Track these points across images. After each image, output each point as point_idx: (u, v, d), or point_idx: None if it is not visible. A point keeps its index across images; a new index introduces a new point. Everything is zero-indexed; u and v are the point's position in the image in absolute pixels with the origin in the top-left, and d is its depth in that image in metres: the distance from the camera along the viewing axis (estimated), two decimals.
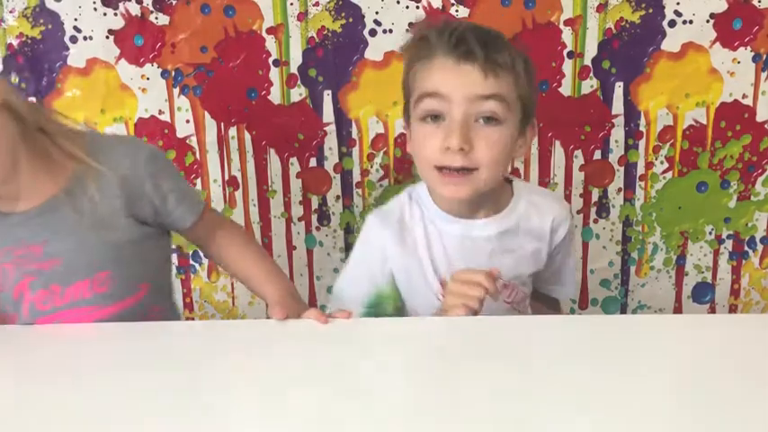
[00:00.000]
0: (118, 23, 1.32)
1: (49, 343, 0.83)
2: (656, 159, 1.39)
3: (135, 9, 1.31)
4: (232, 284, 1.48)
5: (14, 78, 1.34)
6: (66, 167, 0.88)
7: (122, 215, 0.89)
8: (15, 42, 1.33)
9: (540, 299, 1.10)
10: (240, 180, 1.41)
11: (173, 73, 1.35)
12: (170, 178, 0.94)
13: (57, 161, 0.88)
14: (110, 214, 0.88)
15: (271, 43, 1.34)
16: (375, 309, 0.98)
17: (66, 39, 1.33)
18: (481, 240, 0.98)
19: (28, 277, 0.88)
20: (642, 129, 1.38)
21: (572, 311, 1.47)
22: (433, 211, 0.98)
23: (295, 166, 1.41)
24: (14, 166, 0.85)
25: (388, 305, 0.99)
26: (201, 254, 1.26)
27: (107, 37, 1.32)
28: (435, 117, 0.90)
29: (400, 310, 1.00)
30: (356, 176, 1.41)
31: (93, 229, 0.88)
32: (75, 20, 1.32)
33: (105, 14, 1.31)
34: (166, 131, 1.38)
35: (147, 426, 0.62)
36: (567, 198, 1.41)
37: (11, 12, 1.32)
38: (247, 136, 1.39)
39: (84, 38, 1.33)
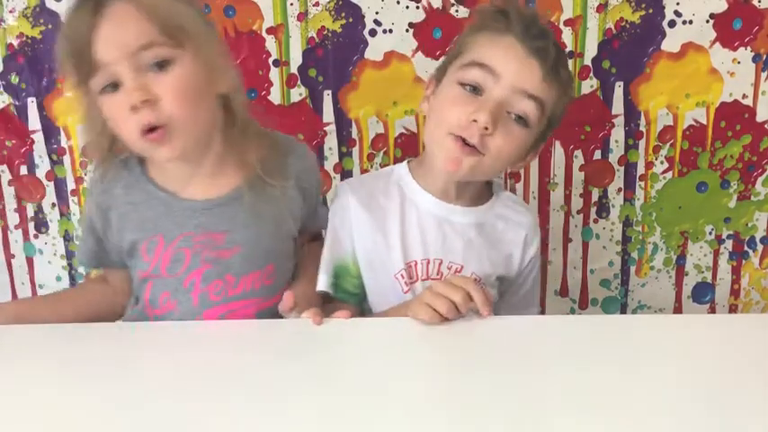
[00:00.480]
0: None
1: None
2: (656, 159, 1.40)
3: None
4: None
5: (14, 78, 1.34)
6: (251, 161, 0.92)
7: (297, 210, 0.95)
8: (15, 42, 1.33)
9: None
10: None
11: None
12: (319, 183, 1.02)
13: (245, 154, 0.92)
14: (287, 209, 0.93)
15: (271, 43, 1.34)
16: (336, 281, 0.98)
17: None
18: (460, 227, 0.98)
19: (205, 265, 0.90)
20: (642, 129, 1.38)
21: (572, 311, 1.47)
22: (413, 189, 0.99)
23: None
24: (204, 150, 0.90)
25: (348, 282, 0.98)
26: None
27: None
28: (474, 88, 0.91)
29: (359, 292, 0.99)
30: (356, 176, 1.41)
31: (271, 222, 0.92)
32: None
33: None
34: None
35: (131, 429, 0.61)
36: (567, 198, 1.41)
37: (11, 11, 1.32)
38: None
39: None
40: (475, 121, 0.89)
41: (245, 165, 0.92)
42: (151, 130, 0.82)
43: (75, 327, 0.87)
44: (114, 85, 0.81)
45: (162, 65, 0.81)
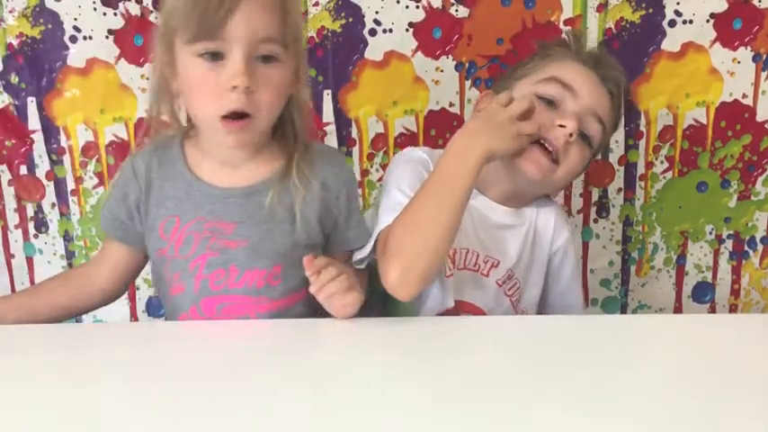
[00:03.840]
0: (118, 23, 1.32)
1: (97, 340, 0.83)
2: (657, 159, 1.39)
3: (135, 9, 1.31)
4: None
5: (14, 78, 1.34)
6: (278, 159, 0.93)
7: (314, 218, 0.93)
8: (15, 42, 1.33)
9: None
10: None
11: None
12: (357, 200, 0.99)
13: (274, 151, 0.93)
14: (304, 213, 0.91)
15: None
16: None
17: (66, 38, 1.33)
18: (502, 225, 1.04)
19: (210, 252, 0.90)
20: (642, 128, 1.38)
21: None
22: None
23: None
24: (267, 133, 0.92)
25: None
26: None
27: (107, 37, 1.32)
28: (550, 102, 0.98)
29: None
30: (356, 176, 1.41)
31: (283, 223, 0.91)
32: (75, 19, 1.32)
33: (105, 14, 1.31)
34: None
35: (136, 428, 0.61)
36: (567, 198, 1.41)
37: (11, 11, 1.32)
38: None
39: (84, 37, 1.33)
40: (562, 126, 0.94)
41: (272, 162, 0.93)
42: (235, 116, 0.84)
43: (73, 327, 0.88)
44: (215, 55, 0.83)
45: (268, 59, 0.84)
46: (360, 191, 1.41)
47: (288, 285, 0.93)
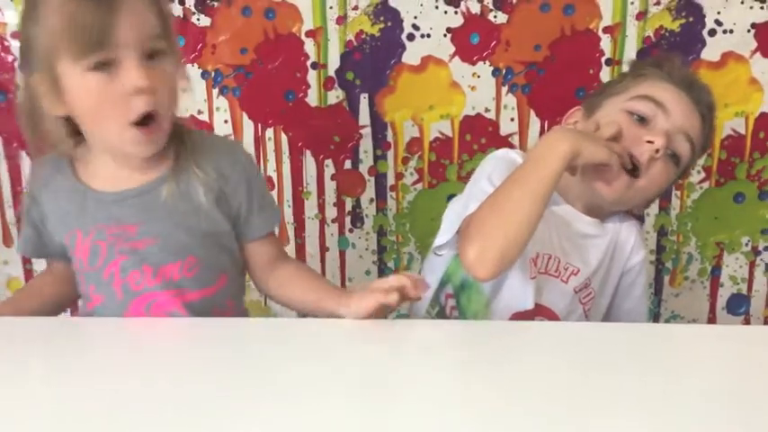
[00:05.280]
0: None
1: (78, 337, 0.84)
2: (693, 169, 1.38)
3: (177, 10, 1.33)
4: None
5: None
6: (169, 154, 0.92)
7: (214, 206, 0.92)
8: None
9: None
10: (276, 181, 1.43)
11: (212, 74, 1.37)
12: (260, 186, 0.97)
13: (165, 149, 0.91)
14: (203, 204, 0.91)
15: (309, 46, 1.35)
16: None
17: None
18: (585, 234, 1.04)
19: (120, 257, 0.91)
20: None
21: None
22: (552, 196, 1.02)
23: (330, 168, 1.42)
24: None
25: None
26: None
27: None
28: (641, 119, 0.98)
29: None
30: (390, 179, 1.42)
31: (186, 216, 0.91)
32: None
33: None
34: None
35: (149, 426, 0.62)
36: None
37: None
38: (284, 137, 1.41)
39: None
40: (650, 142, 0.96)
41: (163, 158, 0.91)
42: (145, 121, 0.83)
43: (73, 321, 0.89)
44: (106, 65, 0.81)
45: (156, 56, 0.83)
46: (394, 194, 1.42)
47: (207, 274, 0.93)
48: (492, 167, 1.01)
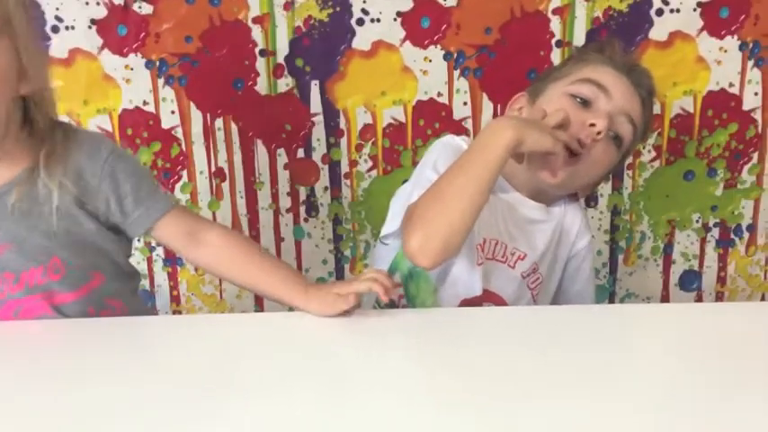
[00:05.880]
0: (101, 13, 1.30)
1: (19, 340, 0.82)
2: (644, 148, 1.40)
3: None
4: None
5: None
6: (26, 152, 0.87)
7: (74, 207, 0.88)
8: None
9: None
10: (227, 171, 1.40)
11: (157, 63, 1.33)
12: (130, 180, 0.90)
13: (22, 144, 0.86)
14: (62, 204, 0.86)
15: (257, 33, 1.32)
16: None
17: (48, 28, 1.30)
18: (530, 219, 1.05)
19: None
20: None
21: None
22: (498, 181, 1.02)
23: (282, 158, 1.40)
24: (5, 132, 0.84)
25: None
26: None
27: (90, 27, 1.30)
28: (584, 102, 1.00)
29: None
30: (344, 167, 1.40)
31: (42, 218, 0.86)
32: (57, 9, 1.29)
33: (87, 3, 1.29)
34: (151, 123, 1.36)
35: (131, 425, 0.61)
36: None
37: None
38: (234, 127, 1.38)
39: (66, 27, 1.30)
40: (592, 125, 0.97)
41: (19, 155, 0.86)
42: None
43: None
44: None
45: None
46: (348, 182, 1.41)
47: (77, 274, 0.90)
48: (437, 155, 1.01)
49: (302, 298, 0.86)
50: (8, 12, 0.80)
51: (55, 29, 1.30)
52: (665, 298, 1.49)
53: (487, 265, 1.01)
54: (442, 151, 1.02)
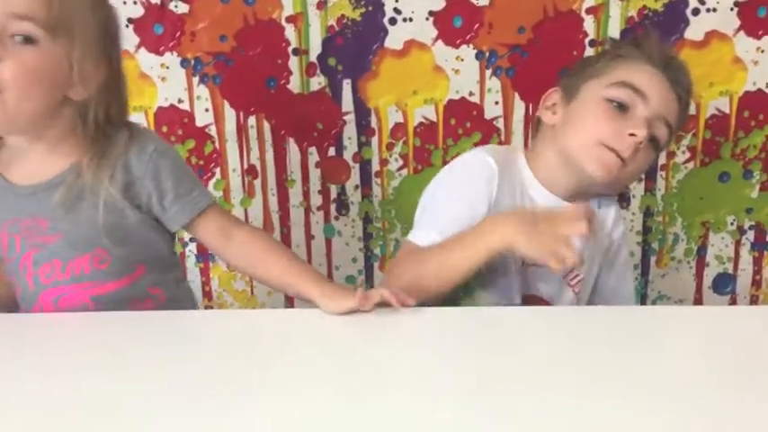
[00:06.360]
0: (137, 12, 1.32)
1: (51, 332, 0.83)
2: (678, 149, 1.38)
3: None
4: None
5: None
6: (78, 147, 0.90)
7: (121, 199, 0.90)
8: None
9: None
10: (259, 169, 1.41)
11: (192, 62, 1.35)
12: (171, 176, 0.93)
13: (75, 139, 0.90)
14: (109, 197, 0.89)
15: (290, 32, 1.33)
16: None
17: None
18: None
19: (33, 250, 0.90)
20: None
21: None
22: (531, 183, 1.04)
23: (314, 156, 1.41)
24: (34, 139, 0.88)
25: None
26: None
27: (127, 25, 1.32)
28: (620, 106, 0.98)
29: None
30: (375, 166, 1.41)
31: (93, 208, 0.89)
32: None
33: (125, 3, 1.31)
34: (185, 121, 1.38)
35: (157, 418, 0.61)
36: None
37: None
38: (266, 125, 1.39)
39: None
40: (632, 135, 0.96)
41: (72, 149, 0.90)
42: None
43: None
44: None
45: (27, 41, 0.80)
46: (379, 180, 1.41)
47: (120, 265, 0.93)
48: (455, 194, 1.00)
49: (316, 293, 0.88)
50: (71, 15, 0.83)
51: None
52: (697, 301, 1.47)
53: (528, 270, 1.01)
54: (459, 193, 1.00)
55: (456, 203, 0.99)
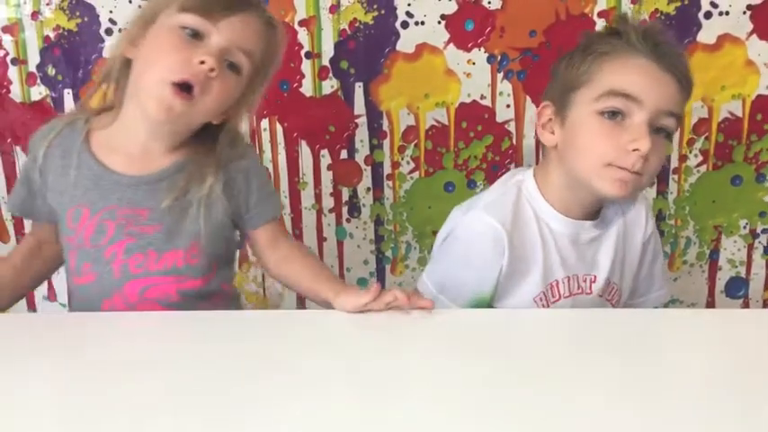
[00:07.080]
0: None
1: (91, 332, 0.84)
2: (691, 152, 1.38)
3: None
4: (263, 275, 1.49)
5: (51, 70, 1.36)
6: (188, 144, 0.94)
7: (219, 198, 0.94)
8: (52, 35, 1.35)
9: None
10: (272, 171, 1.42)
11: None
12: (259, 179, 0.98)
13: (189, 150, 0.94)
14: (211, 193, 0.93)
15: (303, 35, 1.34)
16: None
17: (102, 31, 1.34)
18: (591, 239, 1.01)
19: (128, 238, 0.92)
20: None
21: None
22: (545, 210, 0.99)
23: (326, 158, 1.42)
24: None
25: (482, 306, 0.98)
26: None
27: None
28: (614, 113, 0.91)
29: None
30: (387, 169, 1.42)
31: (194, 205, 0.92)
32: (111, 12, 1.33)
33: (140, 6, 1.32)
34: None
35: (168, 417, 0.62)
36: None
37: (47, 4, 1.34)
38: (279, 128, 1.40)
39: (120, 30, 1.34)
40: (636, 150, 0.89)
41: (181, 149, 0.94)
42: (183, 89, 0.85)
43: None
44: (196, 34, 0.86)
45: (233, 68, 0.88)
46: (390, 183, 1.42)
47: (207, 260, 0.95)
48: (459, 267, 0.99)
49: (331, 294, 0.89)
50: (272, 61, 0.95)
51: (109, 31, 1.34)
52: (710, 304, 1.46)
53: (566, 302, 1.00)
54: (464, 269, 0.98)
55: (464, 271, 0.98)
